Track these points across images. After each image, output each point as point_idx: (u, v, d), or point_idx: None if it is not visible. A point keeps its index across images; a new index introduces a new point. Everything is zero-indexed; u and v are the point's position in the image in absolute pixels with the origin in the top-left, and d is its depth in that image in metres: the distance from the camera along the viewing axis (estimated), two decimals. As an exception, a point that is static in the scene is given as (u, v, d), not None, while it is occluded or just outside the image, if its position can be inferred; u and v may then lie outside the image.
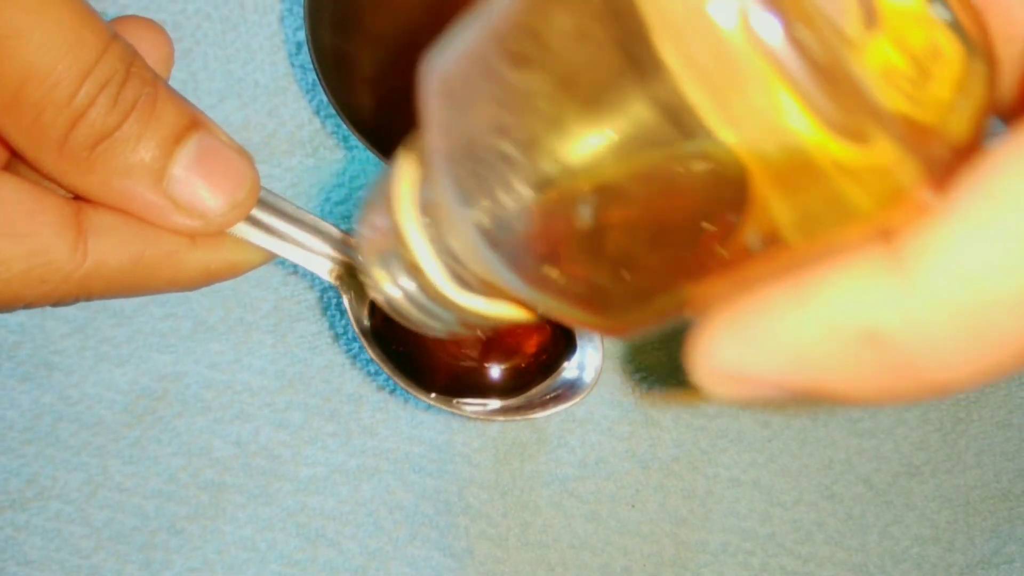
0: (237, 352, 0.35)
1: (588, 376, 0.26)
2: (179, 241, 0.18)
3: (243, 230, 0.19)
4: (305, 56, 0.38)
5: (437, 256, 0.17)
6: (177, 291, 0.19)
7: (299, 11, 0.38)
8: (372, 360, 0.25)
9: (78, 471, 0.34)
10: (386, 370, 0.23)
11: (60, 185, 0.18)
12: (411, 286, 0.18)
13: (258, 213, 0.20)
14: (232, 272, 0.20)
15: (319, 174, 0.37)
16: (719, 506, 0.35)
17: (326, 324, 0.35)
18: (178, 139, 0.18)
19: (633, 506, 0.34)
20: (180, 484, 0.34)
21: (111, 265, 0.18)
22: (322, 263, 0.21)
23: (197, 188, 0.18)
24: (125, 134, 0.17)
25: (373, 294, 0.19)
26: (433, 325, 0.19)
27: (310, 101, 0.38)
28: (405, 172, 0.17)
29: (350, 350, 0.35)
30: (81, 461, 0.34)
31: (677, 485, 0.35)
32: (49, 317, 0.35)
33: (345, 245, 0.22)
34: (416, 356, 0.24)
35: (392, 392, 0.35)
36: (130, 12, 0.38)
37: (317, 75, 0.26)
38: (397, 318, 0.19)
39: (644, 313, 0.14)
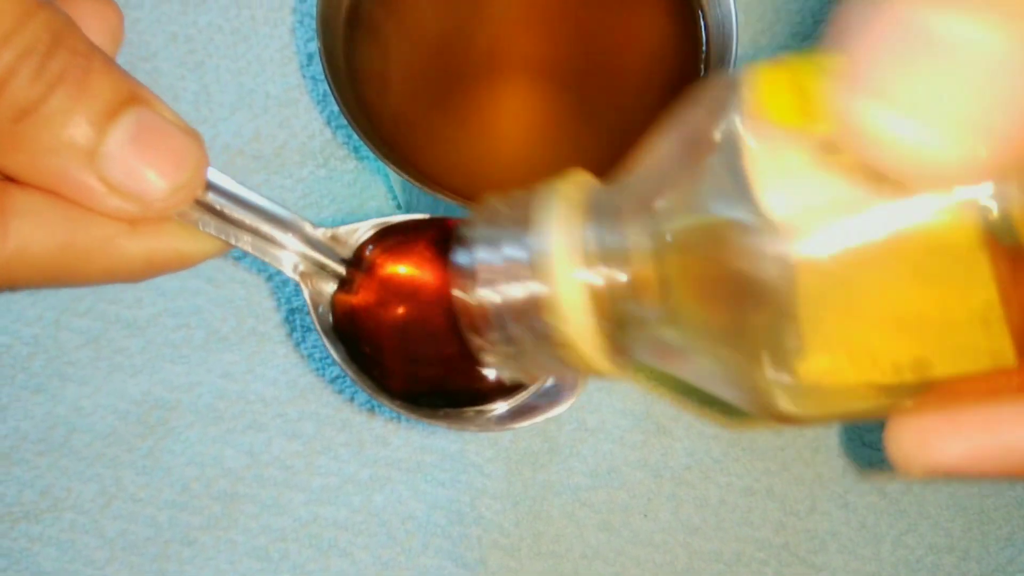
0: (249, 362, 0.35)
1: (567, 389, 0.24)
2: (115, 227, 0.17)
3: (192, 216, 0.18)
4: (316, 67, 0.38)
5: (595, 325, 0.15)
6: (116, 282, 0.18)
7: (310, 23, 0.39)
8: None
9: (92, 482, 0.34)
10: (349, 373, 0.22)
11: None
12: (529, 335, 0.16)
13: (211, 197, 0.18)
14: (180, 263, 0.18)
15: (330, 184, 0.37)
16: (732, 515, 0.35)
17: (338, 334, 0.35)
18: (112, 114, 0.16)
19: (646, 516, 0.34)
20: (193, 495, 0.34)
21: (35, 251, 0.16)
22: (283, 255, 0.20)
23: (133, 168, 0.16)
24: (52, 108, 0.16)
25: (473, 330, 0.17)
26: (523, 370, 0.17)
27: (321, 112, 0.38)
28: (563, 217, 0.15)
29: (362, 360, 0.35)
30: (95, 472, 0.34)
31: (690, 494, 0.35)
32: (63, 328, 0.35)
33: (308, 236, 0.20)
34: (383, 358, 0.23)
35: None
36: (141, 26, 0.38)
37: (329, 86, 0.26)
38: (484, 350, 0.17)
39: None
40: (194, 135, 0.17)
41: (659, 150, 0.16)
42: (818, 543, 0.35)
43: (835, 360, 0.14)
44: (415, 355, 0.23)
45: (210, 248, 0.18)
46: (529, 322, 0.16)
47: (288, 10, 0.39)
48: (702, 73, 0.25)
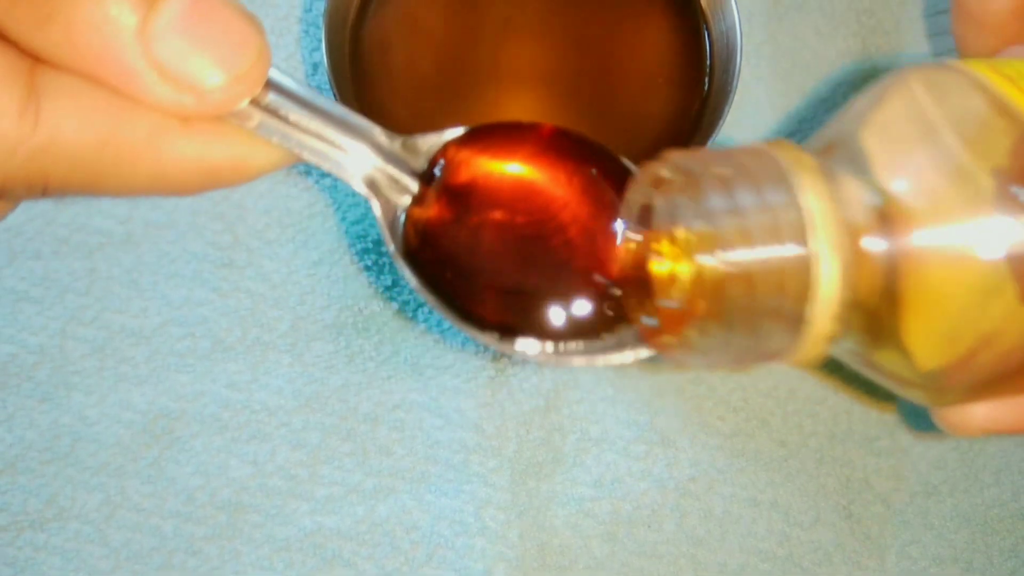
0: (254, 372, 0.35)
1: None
2: (165, 122, 0.15)
3: (253, 120, 0.15)
4: (322, 77, 0.38)
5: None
6: (166, 193, 0.15)
7: (316, 32, 0.39)
8: (412, 290, 0.20)
9: (97, 491, 0.34)
10: (429, 300, 0.19)
11: (14, 42, 0.14)
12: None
13: (271, 98, 0.16)
14: (237, 175, 0.16)
15: (335, 193, 0.37)
16: (737, 527, 0.35)
17: (343, 343, 0.36)
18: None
19: (650, 527, 0.34)
20: (197, 504, 0.34)
21: (71, 141, 0.14)
22: (351, 166, 0.17)
23: (187, 52, 0.14)
24: None
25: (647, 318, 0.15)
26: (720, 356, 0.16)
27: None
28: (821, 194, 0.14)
29: (366, 369, 0.35)
30: (100, 482, 0.34)
31: (694, 505, 0.35)
32: (69, 337, 0.35)
33: (380, 144, 0.18)
34: (463, 283, 0.19)
35: (408, 412, 0.35)
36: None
37: (334, 96, 0.26)
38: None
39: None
40: (255, 21, 0.15)
41: (878, 128, 0.16)
42: (822, 555, 0.35)
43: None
44: (506, 280, 0.20)
45: (273, 158, 0.16)
46: (759, 290, 0.14)
47: (294, 20, 0.39)
48: (705, 85, 0.25)
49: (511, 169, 0.20)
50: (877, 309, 0.15)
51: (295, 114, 0.16)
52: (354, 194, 0.37)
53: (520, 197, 0.20)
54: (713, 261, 0.15)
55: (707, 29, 0.26)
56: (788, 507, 0.35)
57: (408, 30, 0.30)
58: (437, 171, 0.19)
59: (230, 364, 0.35)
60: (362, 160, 0.18)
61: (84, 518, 0.34)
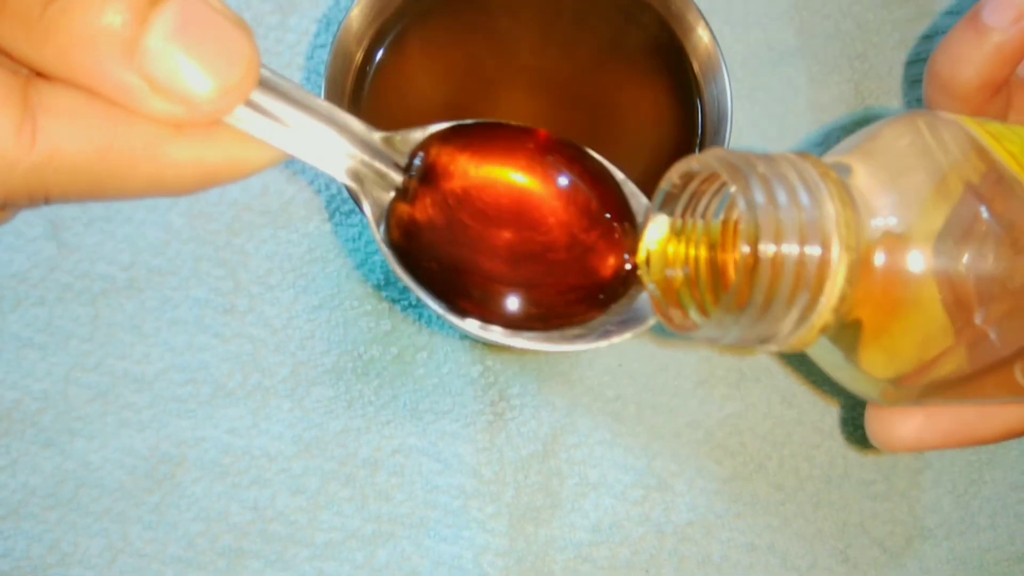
0: (255, 417, 0.35)
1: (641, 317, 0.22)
2: (161, 129, 0.15)
3: (243, 119, 0.16)
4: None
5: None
6: (166, 194, 0.16)
7: (317, 80, 0.39)
8: (397, 279, 0.21)
9: (99, 537, 0.34)
10: (413, 289, 0.20)
11: (9, 55, 0.14)
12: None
13: (259, 97, 0.16)
14: (233, 173, 0.16)
15: (336, 239, 0.38)
16: (734, 571, 0.35)
17: (343, 388, 0.36)
18: (154, 1, 0.14)
19: (648, 572, 0.34)
20: (198, 550, 0.34)
21: (70, 155, 0.14)
22: (335, 159, 0.18)
23: (180, 64, 0.14)
24: None
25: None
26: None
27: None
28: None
29: (365, 414, 0.36)
30: (102, 527, 0.34)
31: (692, 550, 0.35)
32: (72, 383, 0.36)
33: (363, 139, 0.18)
34: (445, 274, 0.20)
35: (407, 457, 0.35)
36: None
37: None
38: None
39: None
40: (244, 27, 0.15)
41: (893, 169, 0.19)
42: (819, 599, 0.35)
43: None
44: (486, 272, 0.20)
45: (265, 156, 0.17)
46: (782, 278, 0.17)
47: (296, 67, 0.40)
48: (697, 146, 0.26)
49: (493, 165, 0.20)
50: (857, 313, 0.18)
51: (281, 110, 0.17)
52: (354, 239, 0.38)
53: (501, 193, 0.20)
54: (751, 249, 0.17)
55: (699, 94, 0.27)
56: (785, 552, 0.35)
57: (408, 87, 0.31)
58: (418, 162, 0.20)
59: (231, 409, 0.35)
60: (346, 154, 0.18)
61: (87, 563, 0.34)
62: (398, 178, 0.20)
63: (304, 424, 0.35)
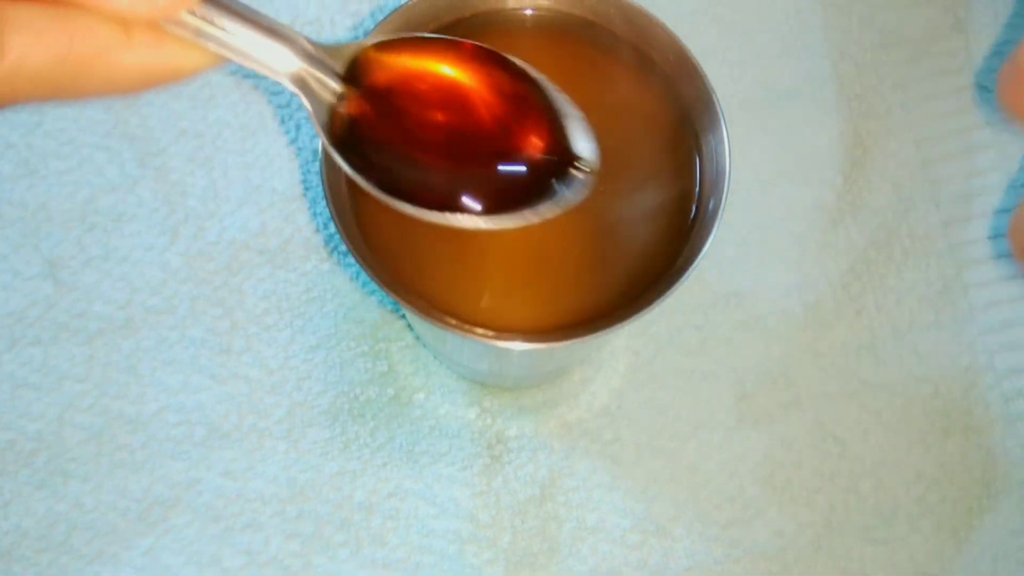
0: (250, 459, 0.35)
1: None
2: (111, 37, 0.17)
3: (189, 26, 0.18)
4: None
5: None
6: (116, 94, 0.18)
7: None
8: (351, 183, 0.22)
9: (90, 581, 0.34)
10: (361, 183, 0.21)
11: None
12: None
13: (205, 7, 0.18)
14: (175, 75, 0.18)
15: (334, 278, 0.38)
16: (732, 619, 0.34)
17: (338, 430, 0.36)
18: None
19: (645, 619, 0.34)
20: (191, 595, 0.34)
21: (33, 64, 0.16)
22: (278, 65, 0.20)
23: None
24: None
25: None
26: None
27: (326, 207, 0.38)
28: None
29: (361, 456, 0.35)
30: (94, 570, 0.34)
31: (689, 597, 0.34)
32: (67, 424, 0.35)
33: (305, 49, 0.20)
34: (396, 166, 0.22)
35: (402, 500, 0.35)
36: (151, 122, 0.39)
37: (337, 226, 0.26)
38: None
39: None
40: None
41: None
42: (820, 648, 0.34)
43: None
44: (426, 161, 0.22)
45: (205, 61, 0.18)
46: None
47: (296, 106, 0.40)
48: (693, 211, 0.26)
49: (422, 64, 0.23)
50: None
51: (227, 21, 0.18)
52: (351, 279, 0.38)
53: (430, 87, 0.23)
54: None
55: (698, 150, 0.27)
56: (785, 598, 0.35)
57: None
58: (355, 75, 0.22)
59: (226, 451, 0.35)
60: (288, 61, 0.20)
61: (77, 608, 0.33)
62: (337, 85, 0.22)
63: (299, 466, 0.35)
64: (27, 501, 0.35)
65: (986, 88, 0.41)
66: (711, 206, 0.25)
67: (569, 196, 0.23)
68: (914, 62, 0.42)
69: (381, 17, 0.41)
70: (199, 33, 0.18)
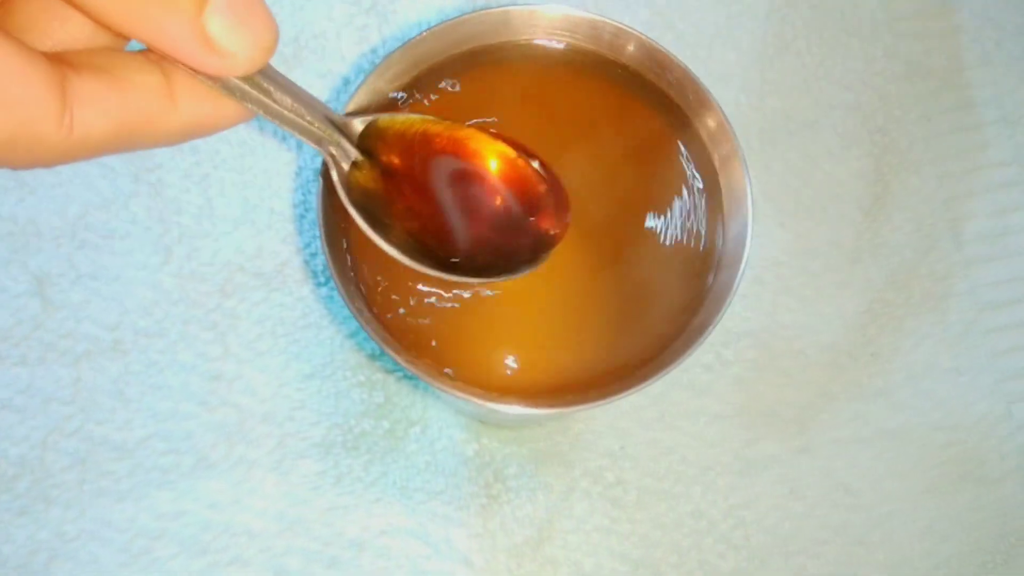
0: (237, 491, 0.34)
1: None
2: (160, 103, 0.18)
3: (237, 87, 0.19)
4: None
5: None
6: (160, 146, 0.19)
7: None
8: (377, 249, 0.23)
9: (69, 614, 0.33)
10: (376, 241, 0.23)
11: (83, 11, 0.17)
12: None
13: (258, 75, 0.20)
14: (213, 130, 0.20)
15: (330, 304, 0.36)
16: (733, 675, 0.33)
17: (331, 463, 0.34)
18: None
19: (642, 672, 0.33)
20: (173, 633, 0.32)
21: (96, 135, 0.18)
22: (310, 132, 0.22)
23: (235, 25, 0.17)
24: None
25: None
26: None
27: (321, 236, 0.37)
28: None
29: (353, 491, 0.34)
30: (73, 603, 0.33)
31: (689, 650, 0.33)
32: (50, 449, 0.34)
33: (331, 119, 0.22)
34: (397, 225, 0.24)
35: (394, 538, 0.34)
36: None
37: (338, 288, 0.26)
38: None
39: None
40: (268, 8, 0.19)
41: None
42: None
43: None
44: (430, 226, 0.24)
45: (241, 116, 0.20)
46: None
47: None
48: (711, 277, 0.25)
49: (422, 140, 0.25)
50: None
51: (272, 87, 0.20)
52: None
53: (428, 160, 0.25)
54: None
55: (722, 220, 0.25)
56: (788, 653, 0.34)
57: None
58: (366, 138, 0.24)
59: (213, 482, 0.34)
60: (317, 126, 0.22)
61: (55, 642, 0.32)
62: (353, 151, 0.24)
63: (288, 500, 0.34)
64: (7, 527, 0.33)
65: (1012, 122, 0.40)
66: (726, 275, 0.24)
67: (544, 257, 0.24)
68: (939, 94, 0.40)
69: (387, 32, 0.40)
70: (244, 95, 0.20)
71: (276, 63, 0.38)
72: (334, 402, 0.35)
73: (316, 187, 0.37)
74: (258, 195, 0.37)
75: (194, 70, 0.18)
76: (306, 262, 0.37)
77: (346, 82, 0.39)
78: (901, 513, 0.35)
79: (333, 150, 0.23)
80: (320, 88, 0.39)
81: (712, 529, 0.35)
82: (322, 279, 0.37)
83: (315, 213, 0.37)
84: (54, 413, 0.35)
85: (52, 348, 0.35)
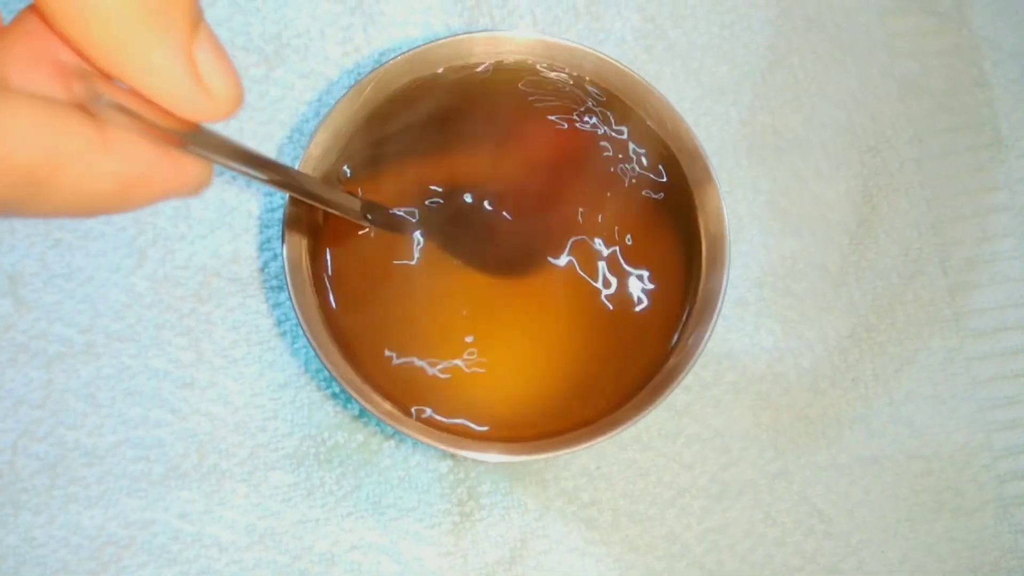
0: (208, 502, 0.34)
1: None
2: (91, 140, 0.17)
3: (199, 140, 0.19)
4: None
5: None
6: (84, 204, 0.18)
7: (299, 138, 0.37)
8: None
9: (35, 622, 0.32)
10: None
11: (69, 40, 0.17)
12: None
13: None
14: (145, 189, 0.18)
15: (308, 312, 0.36)
16: None
17: (303, 475, 0.34)
18: (196, 22, 0.17)
19: None
20: (139, 643, 0.32)
21: (23, 155, 0.16)
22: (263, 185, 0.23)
23: (219, 68, 0.18)
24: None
25: None
26: None
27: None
28: None
29: (325, 504, 0.34)
30: (39, 611, 0.32)
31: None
32: (20, 453, 0.34)
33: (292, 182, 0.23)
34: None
35: (364, 554, 0.34)
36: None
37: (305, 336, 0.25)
38: None
39: None
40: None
41: None
42: None
43: None
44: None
45: (179, 180, 0.19)
46: None
47: (277, 124, 0.38)
48: (697, 291, 0.24)
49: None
50: None
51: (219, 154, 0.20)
52: (327, 315, 0.36)
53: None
54: None
55: (703, 233, 0.25)
56: None
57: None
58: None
59: (184, 492, 0.34)
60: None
61: (20, 648, 0.32)
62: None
63: (259, 512, 0.34)
64: (-26, 532, 0.33)
65: (1007, 146, 0.39)
66: (698, 332, 0.23)
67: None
68: (933, 115, 0.39)
69: (373, 31, 0.39)
70: (196, 146, 0.19)
71: (256, 61, 0.38)
72: (307, 413, 0.35)
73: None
74: (236, 198, 0.37)
75: (164, 116, 0.18)
76: (283, 268, 0.36)
77: (329, 83, 0.38)
78: (875, 542, 0.35)
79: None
80: (302, 88, 0.38)
81: (686, 553, 0.34)
82: (300, 287, 0.36)
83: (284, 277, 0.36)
84: (24, 416, 0.34)
85: (24, 349, 0.35)
